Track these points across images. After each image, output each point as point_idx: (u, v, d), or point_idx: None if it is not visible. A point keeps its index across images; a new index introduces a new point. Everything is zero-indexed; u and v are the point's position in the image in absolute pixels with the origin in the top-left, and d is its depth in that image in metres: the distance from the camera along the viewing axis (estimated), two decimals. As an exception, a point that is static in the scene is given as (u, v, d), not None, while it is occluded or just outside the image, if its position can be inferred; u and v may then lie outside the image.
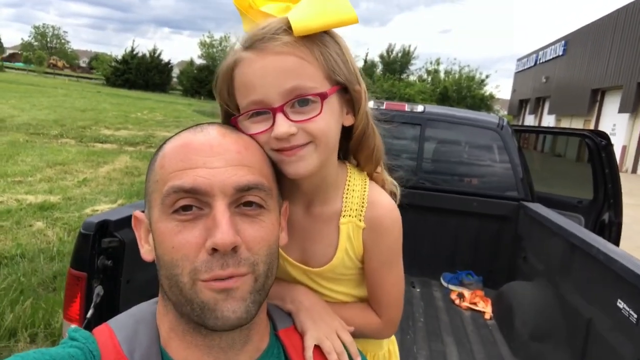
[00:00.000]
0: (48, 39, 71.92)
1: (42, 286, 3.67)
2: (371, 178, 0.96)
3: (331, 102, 0.80)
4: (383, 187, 0.97)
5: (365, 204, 0.90)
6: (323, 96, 0.78)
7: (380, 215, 0.91)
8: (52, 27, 73.13)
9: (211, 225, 0.61)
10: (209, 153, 0.65)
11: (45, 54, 65.78)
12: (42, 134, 11.32)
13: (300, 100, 0.76)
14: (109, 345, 0.64)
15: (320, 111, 0.77)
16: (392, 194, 0.98)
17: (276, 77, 0.76)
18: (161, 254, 0.64)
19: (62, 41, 74.39)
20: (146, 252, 0.70)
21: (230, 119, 0.82)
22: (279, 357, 0.74)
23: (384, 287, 0.96)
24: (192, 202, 0.62)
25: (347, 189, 0.91)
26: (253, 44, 0.78)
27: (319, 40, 0.79)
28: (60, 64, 65.66)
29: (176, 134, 0.71)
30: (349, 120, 0.87)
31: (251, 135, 0.76)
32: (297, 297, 0.87)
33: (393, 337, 1.15)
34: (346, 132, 0.89)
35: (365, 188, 0.92)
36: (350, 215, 0.90)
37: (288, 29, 0.77)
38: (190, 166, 0.63)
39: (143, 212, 0.73)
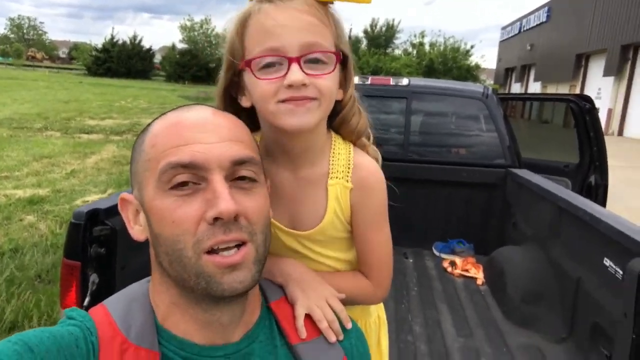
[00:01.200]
0: (25, 31, 70.32)
1: (39, 279, 3.68)
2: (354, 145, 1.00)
3: (336, 68, 0.85)
4: (367, 153, 1.00)
5: (351, 166, 0.94)
6: (337, 56, 0.84)
7: (366, 176, 0.94)
8: (28, 18, 71.55)
9: (211, 197, 0.63)
10: (202, 129, 0.67)
11: (23, 46, 64.38)
12: (26, 127, 11.14)
13: (314, 59, 0.81)
14: (104, 323, 0.65)
15: (333, 70, 0.83)
16: (375, 160, 1.01)
17: (298, 30, 0.79)
18: (160, 232, 0.65)
19: (40, 32, 72.82)
20: (137, 232, 0.71)
21: (232, 75, 0.87)
22: (270, 328, 0.75)
23: (372, 248, 0.98)
24: (189, 178, 0.64)
25: (333, 153, 0.95)
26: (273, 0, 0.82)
27: (331, 12, 0.86)
28: (39, 55, 64.22)
29: (162, 115, 0.73)
30: (340, 94, 0.91)
31: (262, 82, 0.80)
32: (285, 269, 0.88)
33: (381, 304, 1.18)
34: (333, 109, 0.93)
35: (350, 152, 0.95)
36: (337, 177, 0.93)
37: None
38: (185, 142, 0.65)
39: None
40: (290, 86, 0.78)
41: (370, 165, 0.96)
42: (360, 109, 0.98)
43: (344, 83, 0.92)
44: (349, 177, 0.93)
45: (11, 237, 4.45)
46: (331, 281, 0.94)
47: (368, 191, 0.95)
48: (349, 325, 0.83)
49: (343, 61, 0.89)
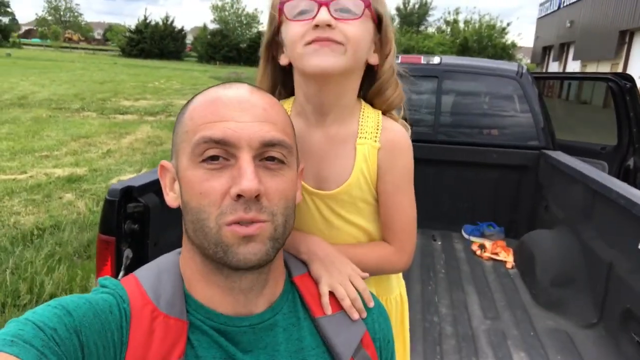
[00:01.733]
0: (61, 13, 71.79)
1: (77, 254, 3.84)
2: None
3: (367, 22, 0.89)
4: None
5: (380, 128, 0.97)
6: (366, 3, 0.87)
7: (394, 138, 0.97)
8: (65, 0, 72.96)
9: (237, 174, 0.65)
10: (237, 108, 0.69)
11: (60, 28, 65.85)
12: (64, 108, 11.48)
13: (344, 7, 0.85)
14: (135, 292, 0.68)
15: (361, 15, 0.86)
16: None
17: None
18: (188, 200, 0.68)
19: (75, 14, 73.99)
20: (171, 199, 0.74)
21: (274, 32, 0.93)
22: (294, 301, 0.78)
23: (397, 211, 1.00)
24: (219, 153, 0.66)
25: (362, 115, 0.98)
26: None
27: None
28: (75, 37, 65.75)
29: (205, 89, 0.75)
30: (374, 58, 0.95)
31: (293, 25, 0.86)
32: (311, 247, 0.90)
33: (403, 282, 1.19)
34: (370, 78, 0.98)
35: (378, 117, 0.99)
36: (365, 137, 0.96)
37: None
38: (220, 119, 0.67)
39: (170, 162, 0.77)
40: (317, 27, 0.83)
41: (398, 129, 0.99)
42: (398, 82, 1.01)
43: (379, 47, 0.95)
44: (377, 137, 0.96)
45: (51, 214, 4.64)
46: (355, 251, 0.97)
47: (396, 152, 0.97)
48: (371, 304, 0.84)
49: (378, 24, 0.92)
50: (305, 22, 0.84)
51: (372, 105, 1.01)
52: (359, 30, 0.86)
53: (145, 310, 0.67)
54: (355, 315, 0.80)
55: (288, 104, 1.01)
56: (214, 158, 0.66)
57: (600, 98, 4.72)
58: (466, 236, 3.41)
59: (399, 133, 0.98)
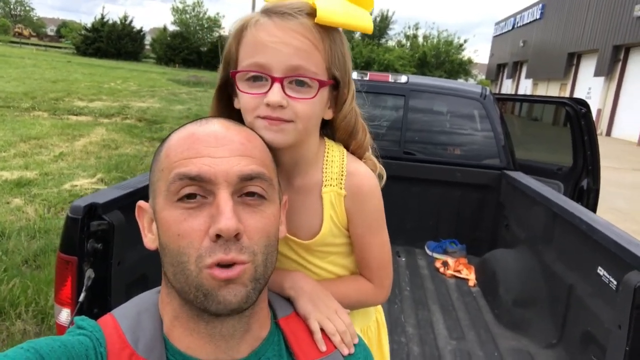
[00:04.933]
0: (11, 7, 68.73)
1: (26, 264, 3.63)
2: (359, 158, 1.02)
3: (322, 93, 0.87)
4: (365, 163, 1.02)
5: (345, 174, 0.96)
6: (322, 84, 0.85)
7: (359, 183, 0.96)
8: (15, -7, 69.75)
9: (215, 212, 0.62)
10: (213, 143, 0.67)
11: (10, 22, 62.94)
12: (13, 107, 10.92)
13: (298, 80, 0.82)
14: (113, 334, 0.66)
15: (314, 96, 0.84)
16: (379, 176, 1.03)
17: (286, 51, 0.81)
18: (167, 242, 0.65)
19: (27, 8, 71.20)
20: (150, 240, 0.72)
21: (227, 77, 0.89)
22: (279, 344, 0.75)
23: (372, 251, 1.00)
24: (196, 191, 0.64)
25: (326, 161, 0.96)
26: (274, 13, 0.83)
27: (331, 33, 0.86)
28: (26, 32, 62.71)
29: (181, 126, 0.73)
30: (328, 115, 0.94)
31: (245, 96, 0.83)
32: (297, 282, 0.88)
33: (380, 307, 1.20)
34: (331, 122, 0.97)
35: (343, 159, 0.97)
36: (331, 185, 0.95)
37: (310, 12, 0.83)
38: (195, 155, 0.65)
39: (147, 202, 0.74)
40: (268, 105, 0.81)
41: (363, 172, 0.98)
42: (364, 125, 1.00)
43: (333, 104, 0.94)
44: (342, 184, 0.95)
45: (-3, 220, 4.38)
46: (335, 288, 0.96)
47: (362, 197, 0.96)
48: (356, 341, 0.83)
49: (335, 84, 0.90)
50: (257, 96, 0.82)
51: (346, 148, 1.00)
52: (310, 107, 0.84)
53: (123, 355, 0.64)
54: (345, 351, 0.79)
55: None
56: (190, 196, 0.64)
57: (550, 115, 4.96)
58: (429, 253, 3.46)
59: (364, 177, 0.97)
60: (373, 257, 1.01)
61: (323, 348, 0.77)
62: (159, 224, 0.67)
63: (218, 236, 0.61)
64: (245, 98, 0.84)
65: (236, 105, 0.91)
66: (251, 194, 0.66)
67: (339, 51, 0.88)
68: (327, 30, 0.85)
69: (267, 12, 0.84)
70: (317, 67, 0.84)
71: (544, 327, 2.33)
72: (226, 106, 0.94)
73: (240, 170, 0.65)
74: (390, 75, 3.53)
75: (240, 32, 0.86)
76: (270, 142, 0.82)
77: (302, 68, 0.82)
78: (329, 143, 0.98)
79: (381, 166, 1.05)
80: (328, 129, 1.00)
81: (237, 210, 0.64)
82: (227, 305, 0.63)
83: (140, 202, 0.73)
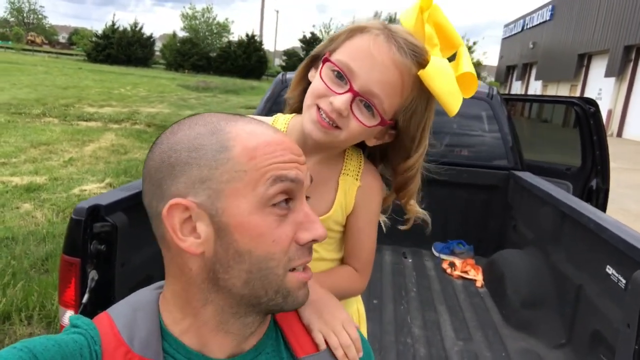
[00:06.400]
0: (25, 15, 69.73)
1: (34, 268, 3.66)
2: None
3: (376, 128, 0.93)
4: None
5: (362, 168, 1.05)
6: (382, 122, 0.91)
7: (373, 180, 1.06)
8: (28, 2, 70.72)
9: (303, 219, 0.66)
10: (294, 152, 0.68)
11: (23, 30, 63.88)
12: (24, 113, 11.05)
13: (367, 104, 0.88)
14: (108, 332, 0.65)
15: (371, 126, 0.90)
16: (423, 222, 1.15)
17: (377, 77, 0.86)
18: (253, 248, 0.62)
19: (39, 16, 72.18)
20: (193, 245, 0.62)
21: (320, 54, 0.96)
22: (276, 339, 0.75)
23: (365, 243, 1.08)
24: (289, 196, 0.65)
25: (347, 154, 1.05)
26: (394, 40, 0.87)
27: (424, 91, 0.90)
28: (38, 40, 63.60)
29: (239, 121, 0.67)
30: (370, 142, 1.00)
31: (320, 81, 0.90)
32: None
33: (359, 297, 1.23)
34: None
35: (361, 158, 1.06)
36: (348, 175, 1.04)
37: (421, 62, 0.87)
38: (288, 160, 0.66)
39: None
40: (331, 104, 0.87)
41: (376, 172, 1.08)
42: (418, 176, 1.08)
43: (383, 136, 0.99)
44: (358, 176, 1.04)
45: (7, 225, 4.42)
46: (328, 278, 1.01)
47: (372, 193, 1.05)
48: (361, 354, 0.82)
49: (395, 127, 0.97)
50: (329, 90, 0.88)
51: (397, 191, 1.09)
52: (361, 131, 0.91)
53: (118, 353, 0.63)
54: None
55: (285, 119, 1.06)
56: (286, 202, 0.65)
57: (560, 117, 4.91)
58: (436, 254, 3.43)
59: (377, 176, 1.08)
60: (365, 248, 1.08)
61: (322, 347, 0.77)
62: (242, 229, 0.61)
63: (312, 241, 0.66)
64: (319, 84, 0.90)
65: (310, 77, 0.98)
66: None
67: (419, 108, 0.93)
68: (422, 86, 0.89)
69: (390, 33, 0.88)
70: (389, 107, 0.90)
71: (552, 327, 2.29)
72: (306, 75, 1.02)
73: (310, 177, 0.70)
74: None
75: (357, 31, 0.90)
76: (308, 133, 0.91)
77: (378, 98, 0.87)
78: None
79: (425, 212, 1.15)
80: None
81: None
82: (300, 304, 0.68)
83: (181, 200, 0.62)
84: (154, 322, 0.67)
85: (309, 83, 0.97)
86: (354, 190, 1.03)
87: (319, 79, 0.90)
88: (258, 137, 0.65)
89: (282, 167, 0.64)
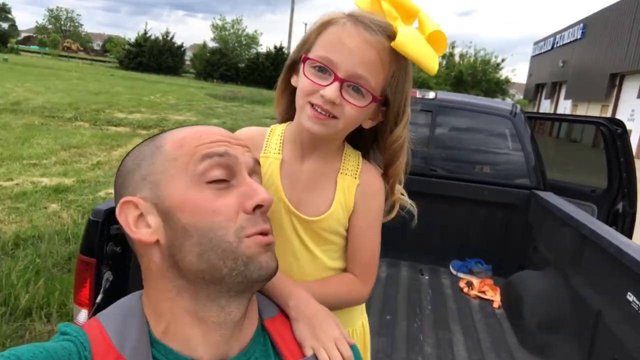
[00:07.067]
0: (62, 22, 72.06)
1: (57, 267, 3.75)
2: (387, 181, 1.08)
3: (371, 105, 0.95)
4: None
5: (360, 167, 1.05)
6: (374, 99, 0.93)
7: (372, 178, 1.05)
8: (66, 10, 73.07)
9: (247, 190, 0.68)
10: (225, 136, 0.73)
11: (60, 37, 66.07)
12: (57, 117, 11.41)
13: (355, 87, 0.90)
14: (98, 338, 0.66)
15: (364, 106, 0.92)
16: (408, 213, 1.11)
17: (357, 59, 0.89)
18: (195, 222, 0.65)
19: (76, 24, 74.40)
20: (147, 234, 0.67)
21: (298, 58, 0.97)
22: (265, 345, 0.75)
23: (366, 245, 1.06)
24: (225, 176, 0.68)
25: (345, 154, 1.05)
26: (360, 22, 0.90)
27: (400, 61, 0.94)
28: (74, 47, 65.70)
29: (169, 130, 0.76)
30: (367, 124, 1.01)
31: (306, 80, 0.92)
32: (300, 305, 0.86)
33: (364, 311, 1.21)
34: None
35: (359, 158, 1.06)
36: (346, 173, 1.04)
37: (391, 35, 0.90)
38: (218, 140, 0.71)
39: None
40: (322, 97, 0.89)
41: (376, 172, 1.06)
42: (406, 152, 1.05)
43: (376, 115, 1.00)
44: (357, 174, 1.04)
45: (34, 224, 4.54)
46: (326, 286, 1.00)
47: (372, 192, 1.04)
48: None
49: (385, 102, 0.98)
50: (316, 85, 0.90)
51: (385, 173, 1.07)
52: (356, 114, 0.93)
53: (109, 358, 0.64)
54: None
55: (281, 128, 1.08)
56: (219, 182, 0.67)
57: (590, 137, 4.78)
58: (454, 272, 3.38)
59: (376, 176, 1.06)
60: (366, 251, 1.06)
61: (310, 354, 0.77)
62: (182, 207, 0.66)
63: (257, 207, 0.67)
64: (306, 82, 0.92)
65: (294, 83, 1.00)
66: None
67: (401, 79, 0.96)
68: (398, 57, 0.92)
69: (355, 19, 0.91)
70: (376, 84, 0.92)
71: (569, 352, 2.23)
72: (289, 83, 1.03)
73: (252, 156, 0.73)
74: (417, 91, 3.51)
75: (325, 26, 0.93)
76: (308, 129, 0.93)
77: (364, 79, 0.90)
78: (347, 144, 1.07)
79: (412, 202, 1.12)
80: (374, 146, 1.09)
81: None
82: (268, 269, 0.68)
83: (129, 198, 0.69)
84: (143, 328, 0.68)
85: (293, 92, 1.00)
86: (353, 188, 1.03)
87: (304, 78, 0.93)
88: (186, 130, 0.73)
89: (209, 146, 0.69)
